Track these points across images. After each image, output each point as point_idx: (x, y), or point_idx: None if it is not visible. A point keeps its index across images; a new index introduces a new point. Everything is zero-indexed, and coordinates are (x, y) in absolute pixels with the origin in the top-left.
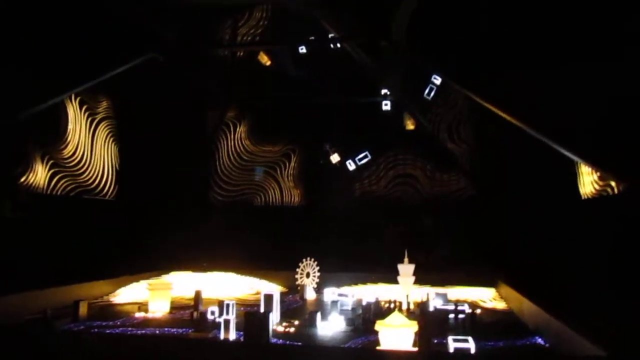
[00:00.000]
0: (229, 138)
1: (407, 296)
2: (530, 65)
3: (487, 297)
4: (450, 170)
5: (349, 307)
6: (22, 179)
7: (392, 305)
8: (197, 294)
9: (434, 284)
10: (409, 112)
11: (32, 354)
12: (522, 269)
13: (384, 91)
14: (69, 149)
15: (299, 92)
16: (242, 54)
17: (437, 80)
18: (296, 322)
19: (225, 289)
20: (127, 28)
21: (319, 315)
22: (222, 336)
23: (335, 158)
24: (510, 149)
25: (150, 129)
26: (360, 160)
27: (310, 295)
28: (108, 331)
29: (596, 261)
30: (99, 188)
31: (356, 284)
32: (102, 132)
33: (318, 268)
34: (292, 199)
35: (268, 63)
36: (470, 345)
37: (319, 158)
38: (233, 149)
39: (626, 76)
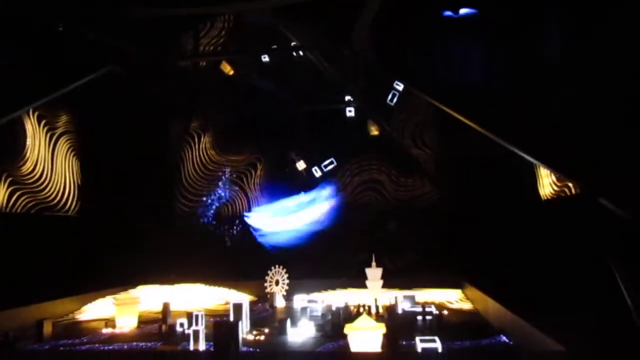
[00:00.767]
0: (193, 148)
1: (376, 300)
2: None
3: (454, 299)
4: (415, 175)
5: (319, 313)
6: None
7: (361, 310)
8: (165, 307)
9: (401, 287)
10: (373, 118)
11: None
12: (487, 271)
13: (347, 98)
14: (28, 166)
15: (263, 101)
16: (204, 64)
17: (399, 86)
18: (266, 330)
19: (194, 301)
20: (85, 41)
21: (288, 322)
22: (191, 347)
23: (301, 165)
24: (473, 153)
25: (112, 142)
26: (326, 166)
27: (280, 302)
28: (75, 349)
29: (556, 261)
30: (61, 204)
31: (326, 289)
32: (63, 147)
33: (287, 275)
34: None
35: (231, 72)
36: (438, 345)
37: (285, 166)
38: (198, 159)
39: (579, 78)
